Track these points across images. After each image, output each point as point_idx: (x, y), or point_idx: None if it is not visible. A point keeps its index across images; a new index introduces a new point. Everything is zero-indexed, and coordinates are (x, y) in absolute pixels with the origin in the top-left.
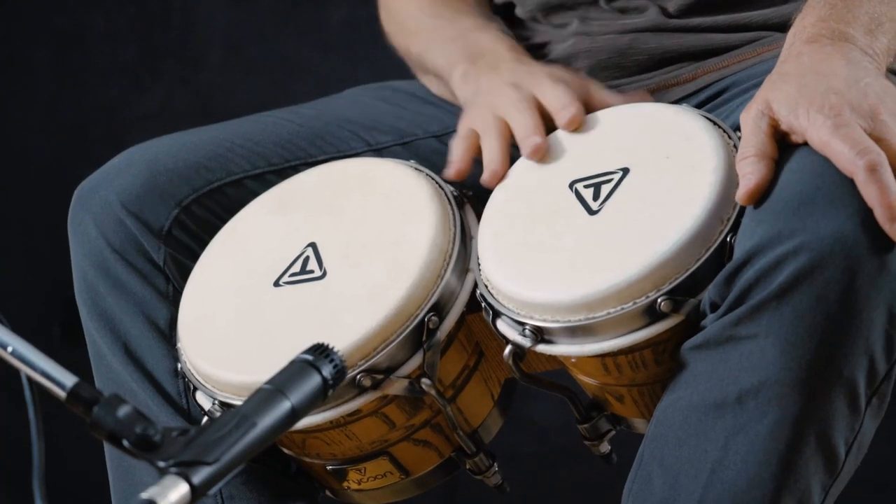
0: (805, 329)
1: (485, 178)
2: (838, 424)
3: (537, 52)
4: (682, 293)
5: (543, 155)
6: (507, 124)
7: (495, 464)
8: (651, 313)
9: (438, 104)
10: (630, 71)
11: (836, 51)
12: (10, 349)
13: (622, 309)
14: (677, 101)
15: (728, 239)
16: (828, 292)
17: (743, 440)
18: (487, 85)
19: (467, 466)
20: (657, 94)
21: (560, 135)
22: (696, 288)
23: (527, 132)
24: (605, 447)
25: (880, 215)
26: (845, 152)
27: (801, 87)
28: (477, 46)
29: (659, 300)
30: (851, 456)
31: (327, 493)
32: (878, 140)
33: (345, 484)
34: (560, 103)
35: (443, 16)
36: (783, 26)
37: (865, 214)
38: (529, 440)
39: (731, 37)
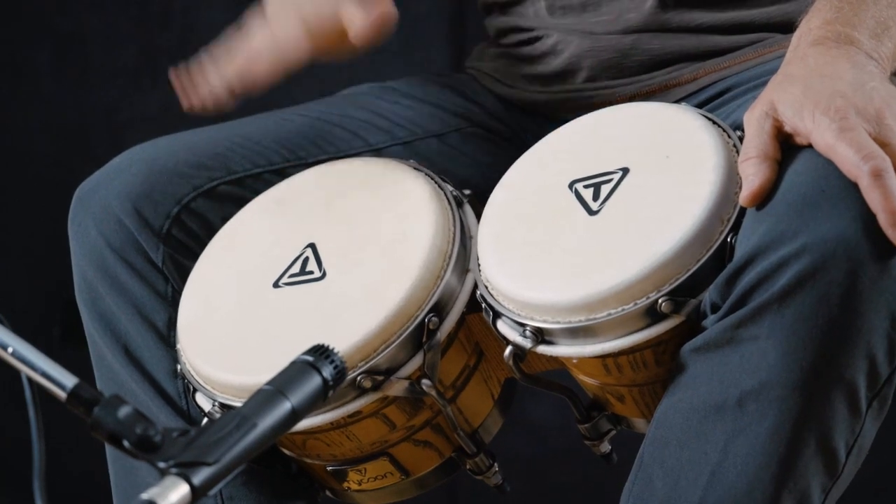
0: (807, 332)
1: None
2: (839, 427)
3: (542, 53)
4: (683, 294)
5: None
6: None
7: (496, 464)
8: (651, 314)
9: (438, 104)
10: (632, 71)
11: (842, 54)
12: (10, 350)
13: (623, 310)
14: (678, 102)
15: (729, 239)
16: (830, 295)
17: (743, 442)
18: None
19: (468, 467)
20: (659, 94)
21: (559, 133)
22: (697, 288)
23: None
24: (605, 447)
25: (883, 220)
26: (850, 156)
27: (807, 90)
28: None
29: (659, 301)
30: (852, 458)
31: (327, 493)
32: (883, 144)
33: (345, 484)
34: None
35: None
36: (785, 26)
37: (868, 218)
38: (529, 440)
39: (733, 38)
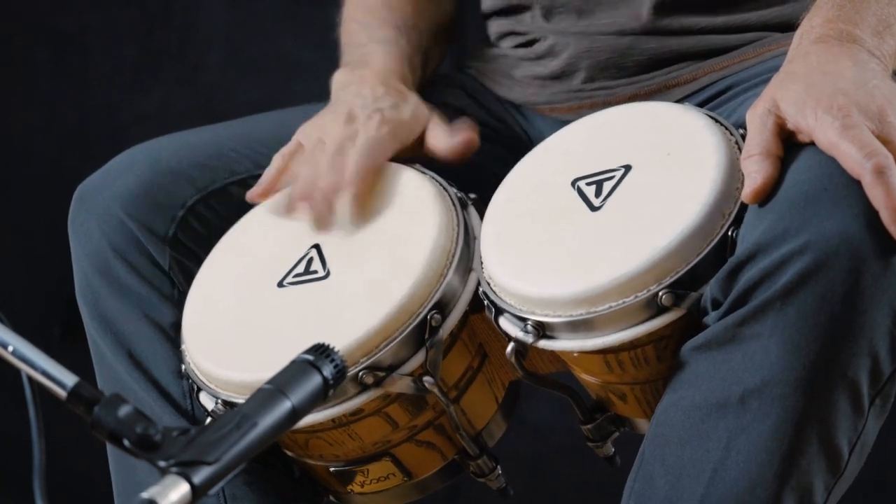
0: (809, 329)
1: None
2: (841, 424)
3: (540, 55)
4: (684, 287)
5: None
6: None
7: (498, 467)
8: (652, 307)
9: (439, 103)
10: (630, 72)
11: (844, 52)
12: (10, 349)
13: (623, 302)
14: (679, 101)
15: (730, 233)
16: (832, 293)
17: (745, 440)
18: (337, 98)
19: (471, 469)
20: (658, 95)
21: (562, 133)
22: (698, 282)
23: (307, 190)
24: (608, 449)
25: (886, 218)
26: (853, 154)
27: (809, 87)
28: (365, 57)
29: (660, 294)
30: (854, 456)
31: (331, 497)
32: (886, 142)
33: (348, 487)
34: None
35: (364, 21)
36: (783, 27)
37: (871, 216)
38: (532, 442)
39: (732, 38)
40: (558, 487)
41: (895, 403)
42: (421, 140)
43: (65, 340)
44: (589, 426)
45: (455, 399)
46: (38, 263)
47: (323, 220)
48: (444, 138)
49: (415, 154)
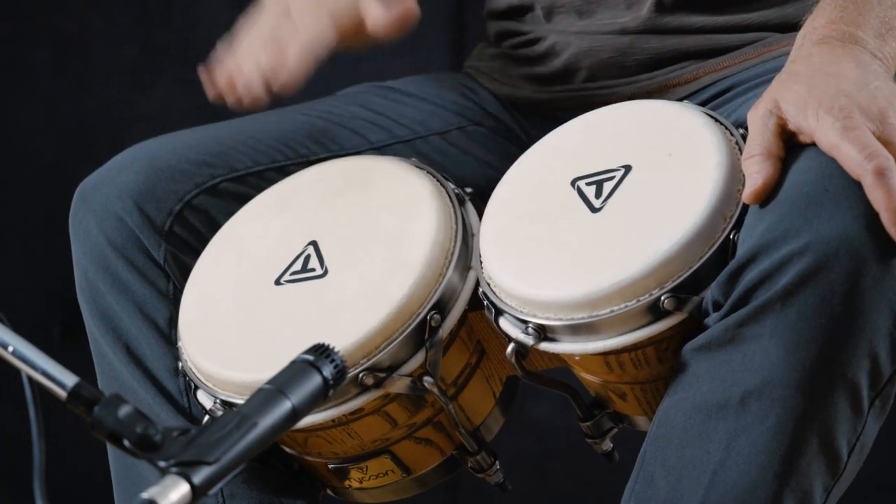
0: (809, 331)
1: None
2: (841, 426)
3: (541, 54)
4: (686, 290)
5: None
6: None
7: (497, 462)
8: (654, 311)
9: (439, 102)
10: (631, 71)
11: (846, 53)
12: (10, 349)
13: (625, 307)
14: (679, 101)
15: (731, 236)
16: (832, 294)
17: (745, 441)
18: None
19: (469, 465)
20: (659, 94)
21: (560, 131)
22: (700, 285)
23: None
24: (607, 445)
25: (886, 219)
26: (854, 155)
27: (811, 88)
28: None
29: (662, 298)
30: (854, 457)
31: (329, 492)
32: (887, 143)
33: (346, 483)
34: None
35: None
36: (784, 27)
37: (872, 217)
38: (531, 439)
39: (732, 37)
40: (559, 487)
41: (895, 404)
42: (362, 24)
43: (65, 340)
44: (588, 423)
45: (453, 396)
46: (38, 263)
47: (248, 96)
48: (380, 16)
49: (357, 38)
